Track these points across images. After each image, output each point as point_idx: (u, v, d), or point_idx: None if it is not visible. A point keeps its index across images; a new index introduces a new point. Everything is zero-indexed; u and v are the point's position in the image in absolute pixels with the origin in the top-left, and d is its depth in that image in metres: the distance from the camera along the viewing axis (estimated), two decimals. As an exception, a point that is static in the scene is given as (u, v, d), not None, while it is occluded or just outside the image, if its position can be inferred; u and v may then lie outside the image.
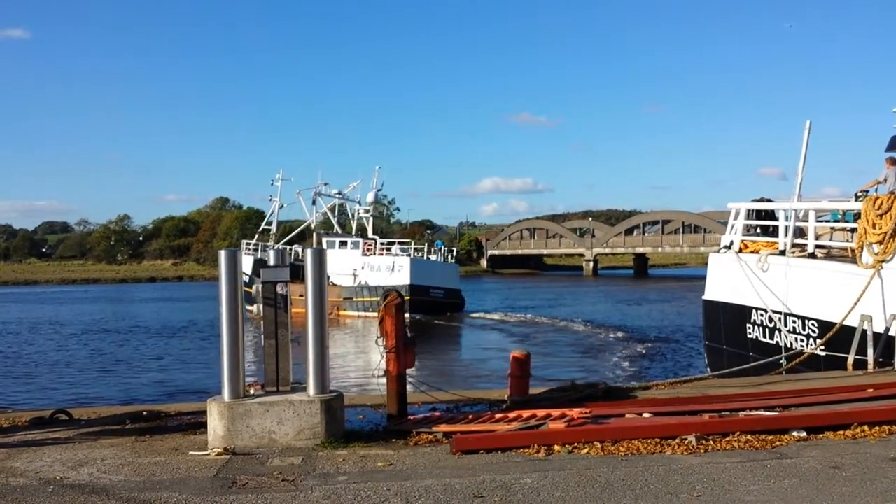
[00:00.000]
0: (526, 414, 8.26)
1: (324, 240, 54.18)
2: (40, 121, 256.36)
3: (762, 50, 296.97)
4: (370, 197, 62.32)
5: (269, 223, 69.09)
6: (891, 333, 12.79)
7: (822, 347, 13.68)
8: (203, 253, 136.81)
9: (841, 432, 7.75)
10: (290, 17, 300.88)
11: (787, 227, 15.89)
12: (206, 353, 31.55)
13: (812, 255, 15.25)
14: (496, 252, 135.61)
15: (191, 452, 7.39)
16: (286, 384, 8.13)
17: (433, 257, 55.18)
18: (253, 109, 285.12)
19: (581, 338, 37.09)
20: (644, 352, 30.98)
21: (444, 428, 7.95)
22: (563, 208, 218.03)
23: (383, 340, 8.50)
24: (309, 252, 7.89)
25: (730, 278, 17.37)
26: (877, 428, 7.83)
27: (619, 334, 37.07)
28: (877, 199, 13.58)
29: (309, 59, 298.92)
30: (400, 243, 55.90)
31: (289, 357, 8.19)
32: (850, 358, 12.80)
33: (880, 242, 13.16)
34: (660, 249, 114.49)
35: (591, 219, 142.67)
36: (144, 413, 9.16)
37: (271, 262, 8.43)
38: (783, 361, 14.32)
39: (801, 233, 15.98)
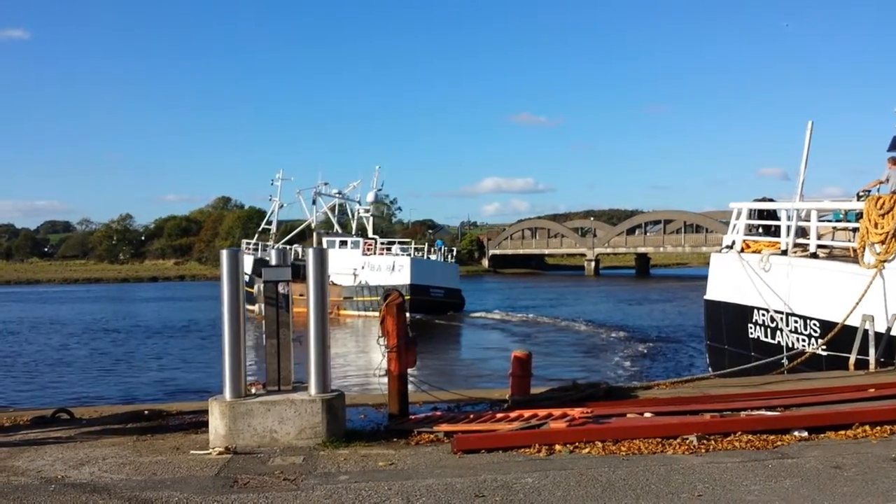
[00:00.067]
0: (527, 413, 8.26)
1: (324, 239, 54.21)
2: (41, 121, 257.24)
3: (762, 50, 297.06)
4: (370, 197, 62.38)
5: (270, 223, 69.16)
6: (892, 333, 12.78)
7: (824, 347, 13.67)
8: (205, 252, 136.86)
9: (842, 432, 7.73)
10: (290, 17, 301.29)
11: (788, 227, 15.88)
12: (207, 353, 31.56)
13: (814, 255, 15.23)
14: (498, 252, 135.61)
15: (192, 451, 7.40)
16: (287, 383, 8.13)
17: (433, 257, 55.22)
18: (253, 109, 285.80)
19: (582, 337, 37.09)
20: (645, 351, 30.98)
21: (445, 427, 7.94)
22: (564, 208, 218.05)
23: (385, 340, 8.50)
24: (311, 251, 7.89)
25: (732, 278, 17.36)
26: (878, 428, 7.82)
27: (621, 334, 37.06)
28: (879, 198, 13.56)
29: (309, 59, 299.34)
30: (400, 243, 55.96)
31: (290, 356, 8.19)
32: (852, 358, 12.79)
33: (882, 242, 13.14)
34: (661, 249, 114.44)
35: (592, 218, 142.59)
36: (146, 412, 9.17)
37: (273, 262, 8.43)
38: (785, 361, 14.31)
39: (802, 233, 15.97)
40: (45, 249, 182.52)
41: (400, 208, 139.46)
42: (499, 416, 8.39)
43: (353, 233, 60.14)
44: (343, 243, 54.64)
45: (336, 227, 65.71)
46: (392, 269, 50.50)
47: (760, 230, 17.71)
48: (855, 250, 13.97)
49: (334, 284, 49.73)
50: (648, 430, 7.64)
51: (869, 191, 15.09)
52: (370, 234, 58.74)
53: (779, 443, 7.41)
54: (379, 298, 41.83)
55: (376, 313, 8.87)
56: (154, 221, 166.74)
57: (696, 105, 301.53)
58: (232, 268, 7.76)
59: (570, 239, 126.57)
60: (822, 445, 7.34)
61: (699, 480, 6.22)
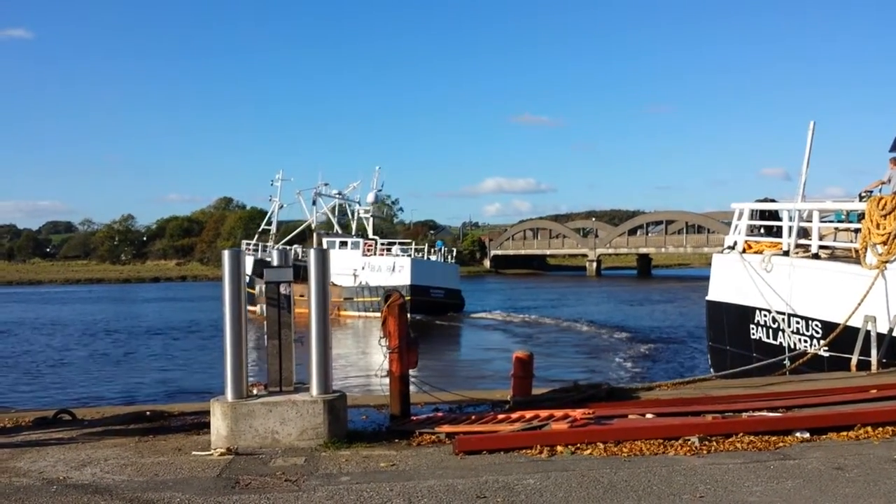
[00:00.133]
0: (529, 414, 8.26)
1: (324, 240, 54.25)
2: (42, 120, 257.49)
3: (762, 50, 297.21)
4: (370, 197, 62.44)
5: (270, 223, 69.18)
6: (894, 334, 12.77)
7: (826, 348, 13.65)
8: (207, 253, 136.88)
9: (844, 433, 7.73)
10: (290, 17, 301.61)
11: (790, 228, 15.86)
12: (208, 354, 31.59)
13: (816, 256, 15.22)
14: (499, 252, 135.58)
15: (194, 452, 7.40)
16: (289, 384, 8.14)
17: (433, 258, 55.27)
18: (253, 109, 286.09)
19: (584, 338, 37.08)
20: (647, 352, 30.96)
21: (446, 428, 7.94)
22: (566, 208, 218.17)
23: (386, 341, 8.50)
24: (312, 252, 7.90)
25: (733, 279, 17.34)
26: (880, 429, 7.81)
27: (623, 335, 37.04)
28: (880, 199, 13.55)
29: (309, 59, 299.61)
30: (400, 244, 56.01)
31: (292, 357, 8.19)
32: (854, 359, 12.77)
33: (884, 243, 13.13)
34: (663, 250, 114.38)
35: (594, 219, 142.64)
36: (148, 413, 9.17)
37: (275, 263, 8.44)
38: (786, 362, 14.30)
39: (804, 233, 15.96)
40: (48, 250, 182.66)
41: (402, 209, 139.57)
42: (500, 417, 8.38)
43: (354, 233, 60.19)
44: (343, 244, 54.68)
45: (336, 227, 65.75)
46: (392, 269, 50.54)
47: (762, 231, 17.69)
48: (857, 251, 13.96)
49: (334, 285, 49.73)
50: (650, 432, 7.64)
51: (871, 191, 15.08)
52: (370, 235, 58.80)
53: (781, 444, 7.41)
54: (379, 299, 41.76)
55: (376, 314, 8.87)
56: (156, 222, 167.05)
57: (697, 105, 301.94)
58: (234, 268, 7.76)
59: (571, 239, 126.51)
60: (824, 446, 7.33)
61: (701, 481, 6.21)
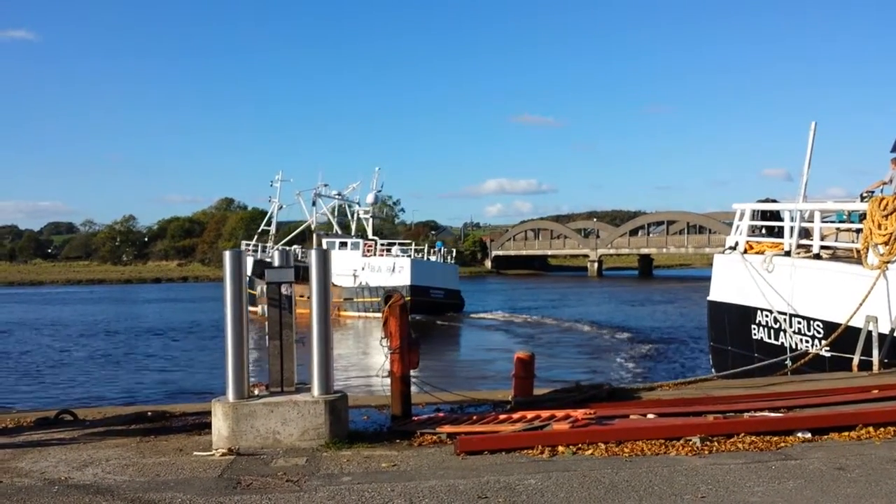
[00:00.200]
0: (530, 415, 8.26)
1: (324, 241, 54.32)
2: (43, 121, 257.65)
3: (762, 50, 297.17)
4: (370, 198, 62.47)
5: (269, 224, 69.19)
6: (896, 334, 12.76)
7: (827, 348, 13.64)
8: (208, 254, 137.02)
9: (846, 433, 7.72)
10: (290, 17, 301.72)
11: (792, 228, 15.85)
12: (210, 354, 31.60)
13: (817, 256, 15.21)
14: (500, 253, 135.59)
15: (195, 453, 7.40)
16: (290, 385, 8.14)
17: (433, 258, 55.33)
18: (253, 109, 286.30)
19: (586, 339, 37.08)
20: (648, 353, 30.96)
21: (448, 429, 7.94)
22: (567, 209, 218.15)
23: (387, 341, 8.50)
24: (314, 253, 7.90)
25: (735, 279, 17.33)
26: (882, 429, 7.80)
27: (624, 335, 37.04)
28: (882, 199, 13.53)
29: (309, 59, 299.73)
30: (400, 244, 56.08)
31: (293, 358, 8.20)
32: (856, 359, 12.77)
33: (886, 243, 13.11)
34: (664, 250, 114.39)
35: (595, 219, 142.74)
36: (149, 413, 9.18)
37: (276, 263, 8.44)
38: (788, 362, 14.29)
39: (806, 234, 15.94)
40: (49, 251, 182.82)
41: (403, 209, 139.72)
42: (502, 417, 8.38)
43: (353, 234, 60.23)
44: (343, 244, 54.72)
45: (336, 228, 65.79)
46: (392, 270, 50.61)
47: (764, 231, 17.68)
48: (858, 251, 13.94)
49: (334, 286, 49.74)
50: (652, 432, 7.63)
51: (872, 192, 15.06)
52: (370, 236, 58.85)
53: (782, 444, 7.40)
54: (379, 299, 41.72)
55: (376, 314, 8.87)
56: (157, 223, 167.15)
57: (697, 105, 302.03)
58: (235, 269, 7.77)
59: (573, 240, 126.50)
60: (826, 447, 7.32)
61: (702, 482, 6.21)
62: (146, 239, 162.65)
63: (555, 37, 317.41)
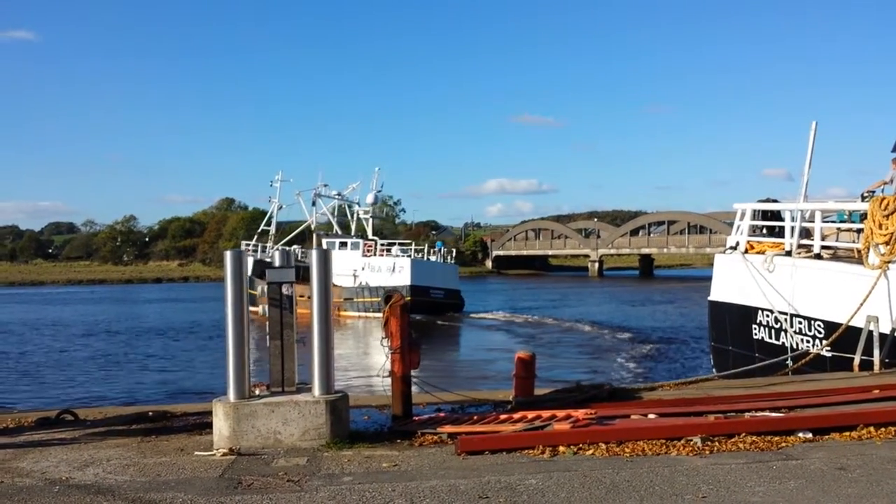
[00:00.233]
0: (531, 415, 8.25)
1: (324, 241, 54.36)
2: (43, 121, 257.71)
3: (762, 50, 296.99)
4: (369, 198, 62.52)
5: (269, 224, 69.20)
6: (897, 334, 12.75)
7: (828, 348, 13.64)
8: (209, 254, 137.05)
9: (847, 433, 7.72)
10: (290, 17, 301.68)
11: (793, 228, 15.85)
12: (210, 354, 31.62)
13: (818, 256, 15.20)
14: (501, 253, 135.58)
15: (196, 453, 7.40)
16: (291, 385, 8.14)
17: (433, 258, 55.35)
18: (253, 109, 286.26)
19: (586, 338, 37.08)
20: (649, 353, 30.96)
21: (448, 429, 7.94)
22: (568, 209, 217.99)
23: (388, 341, 8.50)
24: (314, 253, 7.90)
25: (735, 279, 17.33)
26: (883, 429, 7.80)
27: (625, 335, 37.04)
28: (883, 199, 13.53)
29: (309, 59, 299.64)
30: (400, 244, 56.11)
31: (294, 358, 8.20)
32: (857, 359, 12.76)
33: (886, 243, 13.11)
34: (665, 250, 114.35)
35: (596, 219, 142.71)
36: (150, 413, 9.18)
37: (277, 263, 8.44)
38: (789, 362, 14.29)
39: (807, 233, 15.94)
40: (50, 251, 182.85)
41: (403, 209, 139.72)
42: (502, 417, 8.38)
43: (353, 234, 60.25)
44: (343, 245, 54.75)
45: (336, 228, 65.81)
46: (392, 270, 50.64)
47: (764, 231, 17.68)
48: (859, 251, 13.94)
49: (334, 286, 49.76)
50: (652, 432, 7.63)
51: (873, 191, 15.05)
52: (370, 236, 58.87)
53: (783, 444, 7.40)
54: (379, 299, 41.71)
55: (377, 314, 8.87)
56: (158, 223, 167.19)
57: (697, 105, 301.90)
58: (236, 269, 7.77)
59: (573, 240, 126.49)
60: (827, 447, 7.32)
61: (703, 482, 6.21)
62: (147, 239, 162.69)
63: (555, 37, 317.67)
